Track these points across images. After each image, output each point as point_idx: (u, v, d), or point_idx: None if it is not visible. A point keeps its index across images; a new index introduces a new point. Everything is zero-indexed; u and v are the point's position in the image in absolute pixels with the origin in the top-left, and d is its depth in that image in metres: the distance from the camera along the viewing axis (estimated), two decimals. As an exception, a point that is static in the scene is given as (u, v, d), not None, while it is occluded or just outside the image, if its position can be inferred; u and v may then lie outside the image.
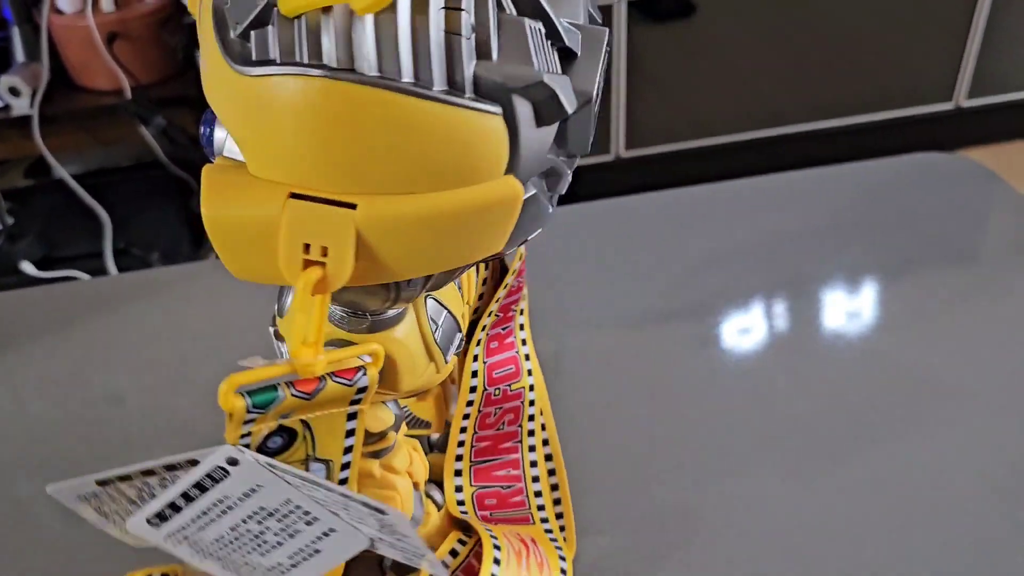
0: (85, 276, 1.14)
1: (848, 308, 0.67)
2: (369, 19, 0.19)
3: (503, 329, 0.39)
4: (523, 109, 0.21)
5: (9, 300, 0.80)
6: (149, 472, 0.25)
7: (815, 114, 1.53)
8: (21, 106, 1.23)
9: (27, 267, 1.15)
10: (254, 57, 0.21)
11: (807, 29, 1.46)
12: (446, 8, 0.20)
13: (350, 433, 0.26)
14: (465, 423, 0.39)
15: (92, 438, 0.61)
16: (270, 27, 0.20)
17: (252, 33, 0.21)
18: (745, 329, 0.65)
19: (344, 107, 0.20)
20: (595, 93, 0.22)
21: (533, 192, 0.23)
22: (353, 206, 0.21)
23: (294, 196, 0.21)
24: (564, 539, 0.41)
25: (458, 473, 0.40)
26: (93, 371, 0.67)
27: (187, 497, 0.25)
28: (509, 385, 0.39)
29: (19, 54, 1.27)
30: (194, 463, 0.24)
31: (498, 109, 0.20)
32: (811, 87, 1.51)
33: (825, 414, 0.55)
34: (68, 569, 0.52)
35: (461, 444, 0.39)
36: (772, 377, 0.60)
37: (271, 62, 0.20)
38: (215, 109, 0.22)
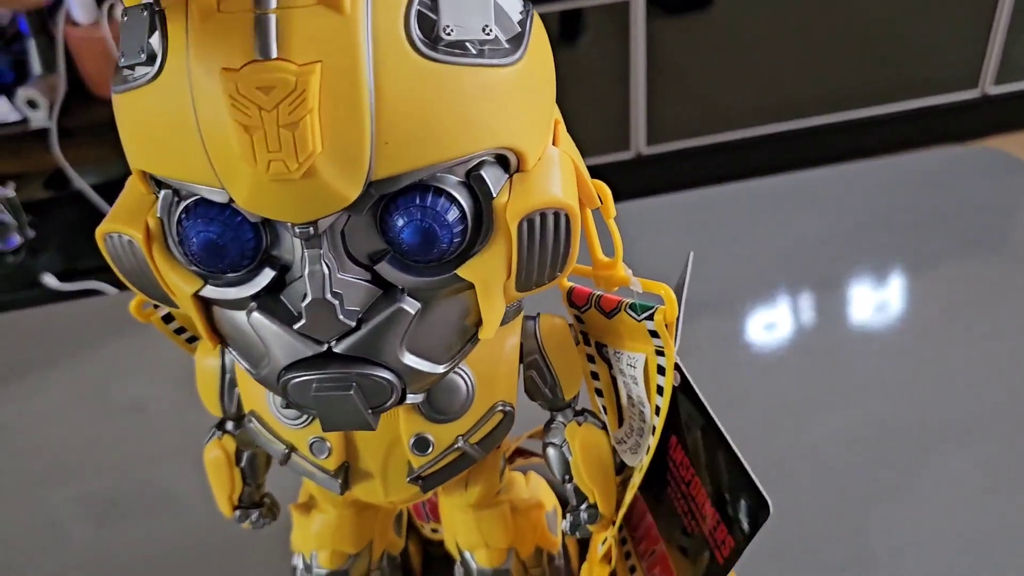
0: (106, 287, 1.14)
1: (875, 304, 0.65)
2: None
3: None
4: None
5: (33, 317, 0.81)
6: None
7: (837, 105, 1.51)
8: (39, 119, 1.23)
9: (49, 280, 1.14)
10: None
11: (827, 17, 1.43)
12: None
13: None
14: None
15: (116, 447, 0.62)
16: None
17: None
18: (770, 324, 0.63)
19: None
20: None
21: None
22: None
23: None
24: None
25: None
26: (115, 383, 0.68)
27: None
28: None
29: (36, 66, 1.27)
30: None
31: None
32: (832, 77, 1.48)
33: (857, 413, 0.54)
34: (94, 573, 0.52)
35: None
36: (800, 374, 0.59)
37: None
38: None
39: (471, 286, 0.26)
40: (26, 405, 0.68)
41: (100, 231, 0.27)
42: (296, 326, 0.26)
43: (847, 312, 0.64)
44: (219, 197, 0.24)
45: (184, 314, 0.35)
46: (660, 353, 0.32)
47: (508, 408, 0.33)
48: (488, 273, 0.26)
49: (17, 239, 1.16)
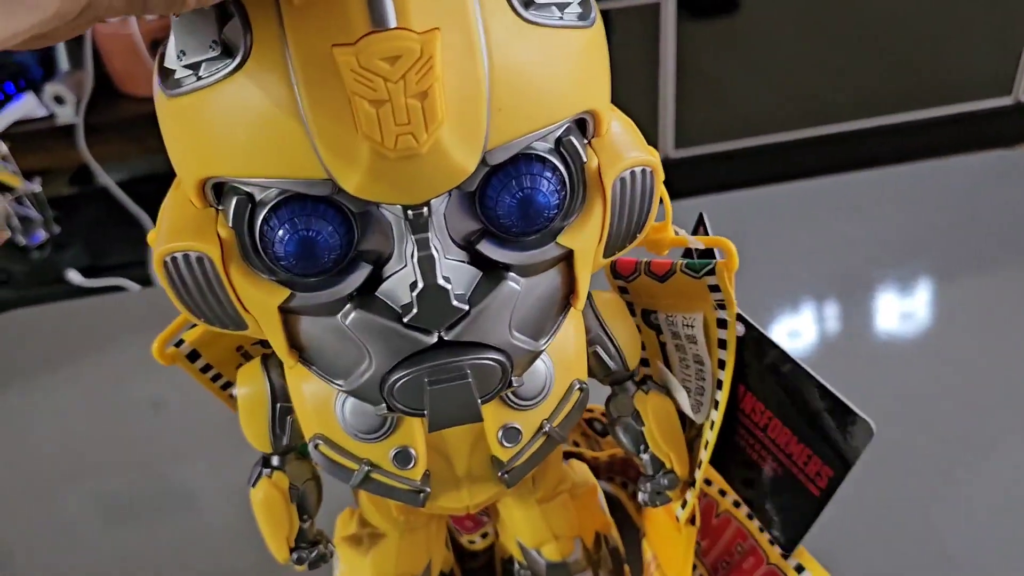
0: (130, 284, 1.13)
1: (905, 310, 0.65)
2: None
3: None
4: None
5: (55, 312, 0.81)
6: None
7: (867, 111, 1.49)
8: (66, 114, 1.23)
9: (73, 276, 1.14)
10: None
11: (857, 22, 1.42)
12: None
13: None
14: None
15: (133, 445, 0.61)
16: None
17: None
18: (795, 332, 0.63)
19: None
20: None
21: None
22: None
23: None
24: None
25: None
26: (135, 381, 0.68)
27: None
28: None
29: (63, 62, 1.27)
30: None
31: None
32: (863, 82, 1.47)
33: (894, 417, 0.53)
34: (110, 570, 0.52)
35: None
36: (830, 381, 0.59)
37: None
38: None
39: (566, 256, 0.26)
40: (45, 400, 0.68)
41: (161, 253, 0.24)
42: (406, 318, 0.25)
43: (877, 318, 0.64)
44: (320, 189, 0.22)
45: (218, 351, 0.34)
46: (720, 307, 0.33)
47: (584, 386, 0.32)
48: (586, 239, 0.26)
49: (42, 235, 1.15)
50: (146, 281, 1.14)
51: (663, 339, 0.36)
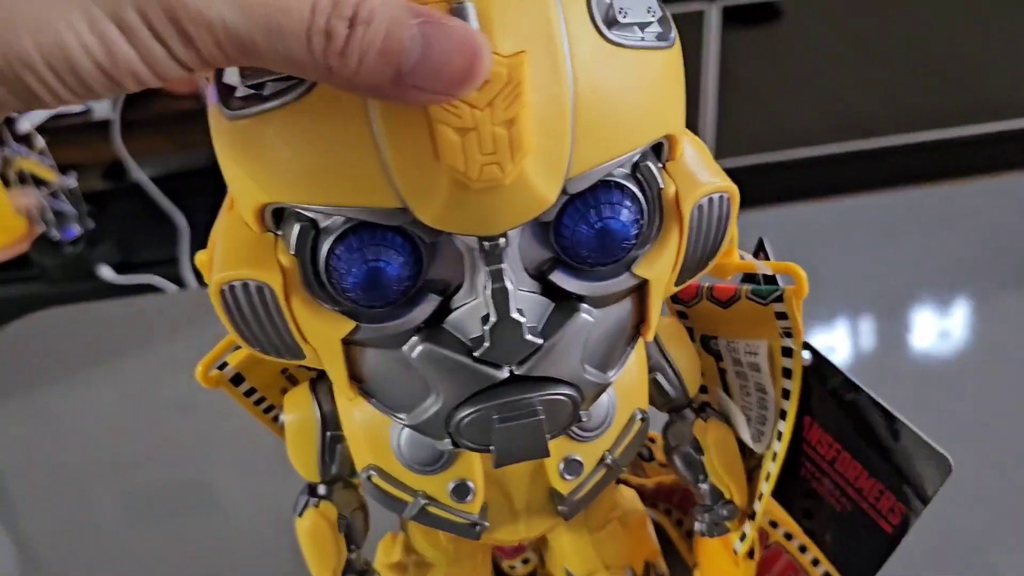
0: (161, 281, 1.13)
1: (941, 330, 0.63)
2: None
3: None
4: None
5: (89, 312, 0.81)
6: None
7: (912, 125, 1.46)
8: (102, 109, 1.23)
9: (105, 272, 1.14)
10: None
11: (903, 34, 1.40)
12: None
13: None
14: None
15: (162, 445, 0.61)
16: None
17: None
18: (830, 348, 0.61)
19: None
20: None
21: None
22: None
23: None
24: None
25: None
26: (165, 380, 0.68)
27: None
28: None
29: (102, 58, 1.27)
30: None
31: None
32: (908, 96, 1.44)
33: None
34: (141, 568, 0.52)
35: None
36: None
37: None
38: None
39: (639, 286, 0.25)
40: (75, 397, 0.68)
41: (218, 281, 0.23)
42: (478, 352, 0.23)
43: (915, 339, 0.62)
44: (392, 219, 0.21)
45: (263, 374, 0.32)
46: (786, 334, 0.31)
47: (645, 415, 0.31)
48: (661, 269, 0.25)
49: (76, 230, 1.15)
50: (177, 280, 1.14)
51: (723, 366, 0.34)
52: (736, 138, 1.43)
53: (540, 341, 0.24)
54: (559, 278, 0.24)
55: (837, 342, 0.62)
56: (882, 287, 0.67)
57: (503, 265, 0.23)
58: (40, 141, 1.11)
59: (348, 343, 0.24)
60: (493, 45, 0.19)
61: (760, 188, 1.44)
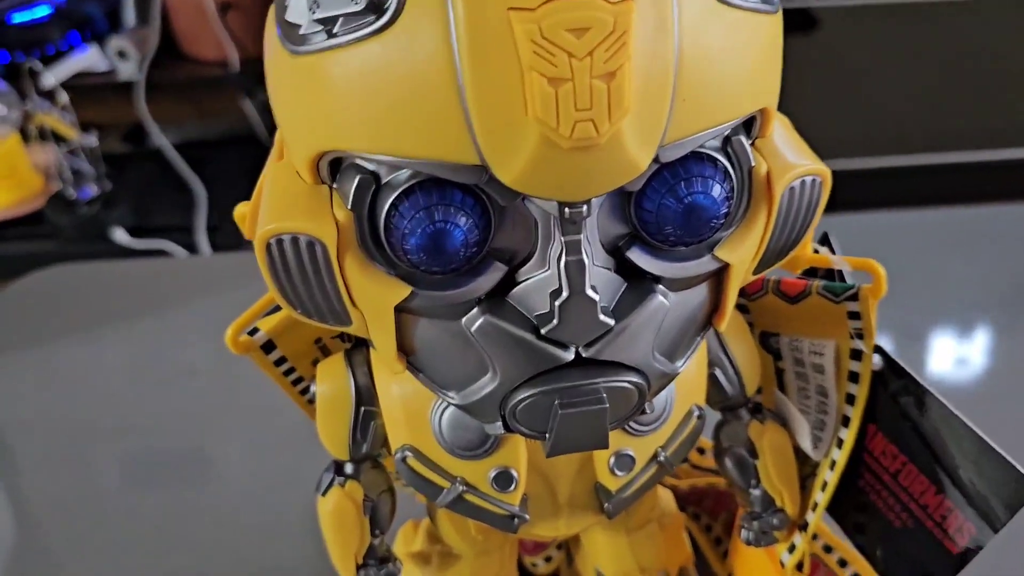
0: (175, 248, 1.11)
1: (958, 357, 0.61)
2: None
3: None
4: None
5: (98, 271, 0.81)
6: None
7: (945, 144, 1.44)
8: (128, 71, 1.21)
9: (120, 235, 1.12)
10: None
11: (943, 50, 1.37)
12: None
13: None
14: None
15: (165, 409, 0.61)
16: None
17: None
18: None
19: None
20: None
21: None
22: None
23: None
24: None
25: None
26: (172, 346, 0.68)
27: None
28: None
29: (130, 18, 1.26)
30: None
31: None
32: (944, 114, 1.42)
33: None
34: (138, 534, 0.51)
35: None
36: None
37: None
38: None
39: (718, 271, 0.23)
40: (80, 356, 0.67)
41: (265, 234, 0.21)
42: (545, 329, 0.21)
43: (930, 361, 0.61)
44: (466, 176, 0.19)
45: (295, 342, 0.30)
46: (857, 336, 0.29)
47: (702, 412, 0.29)
48: (744, 253, 0.23)
49: (93, 190, 1.13)
50: (191, 247, 1.12)
51: (781, 365, 0.32)
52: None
53: (612, 322, 0.22)
54: (636, 255, 0.22)
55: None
56: (902, 308, 0.65)
57: (580, 236, 0.21)
58: (64, 97, 1.09)
59: (401, 311, 0.22)
60: None
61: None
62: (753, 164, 0.22)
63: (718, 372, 0.30)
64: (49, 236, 1.12)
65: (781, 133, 0.23)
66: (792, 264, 0.29)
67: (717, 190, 0.21)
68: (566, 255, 0.21)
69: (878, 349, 0.30)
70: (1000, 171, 1.48)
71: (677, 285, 0.23)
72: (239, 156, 1.23)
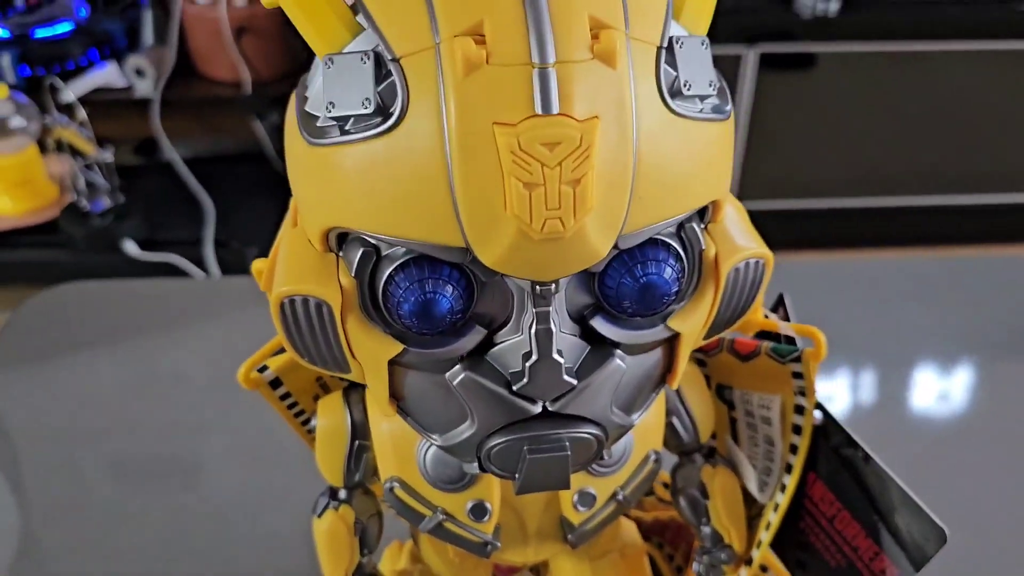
0: (183, 261, 1.15)
1: (939, 393, 0.64)
2: None
3: None
4: None
5: (113, 289, 0.83)
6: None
7: (934, 188, 1.47)
8: (144, 88, 1.25)
9: (130, 247, 1.15)
10: None
11: (937, 94, 1.41)
12: None
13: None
14: None
15: (156, 416, 0.63)
16: None
17: None
18: (828, 397, 0.62)
19: None
20: None
21: None
22: None
23: None
24: None
25: None
26: (165, 359, 0.69)
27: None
28: None
29: (148, 37, 1.29)
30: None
31: None
32: (935, 157, 1.46)
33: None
34: (124, 536, 0.54)
35: None
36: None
37: None
38: None
39: (671, 338, 0.26)
40: (89, 372, 0.69)
41: (280, 295, 0.25)
42: (516, 386, 0.25)
43: (912, 399, 0.63)
44: (453, 256, 0.23)
45: (299, 380, 0.34)
46: (800, 393, 0.33)
47: (658, 456, 0.32)
48: (694, 323, 0.26)
49: (106, 202, 1.17)
50: (199, 261, 1.15)
51: (735, 415, 0.36)
52: (759, 182, 1.44)
53: (575, 381, 0.25)
54: (599, 324, 0.25)
55: (836, 393, 0.63)
56: (886, 347, 0.68)
57: (550, 308, 0.24)
58: (82, 112, 1.12)
59: (393, 364, 0.25)
60: (570, 109, 0.20)
61: (778, 233, 1.46)
62: (703, 247, 0.25)
63: (675, 420, 0.34)
64: (62, 246, 1.15)
65: (733, 217, 0.27)
66: (744, 327, 0.33)
67: (669, 271, 0.24)
68: (536, 324, 0.24)
69: (819, 406, 0.33)
70: (984, 214, 1.51)
71: (634, 350, 0.26)
72: (248, 174, 1.26)
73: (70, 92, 1.15)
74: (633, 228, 0.23)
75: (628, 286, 0.24)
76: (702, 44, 0.23)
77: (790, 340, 0.33)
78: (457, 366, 0.25)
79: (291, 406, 0.35)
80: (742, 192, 1.44)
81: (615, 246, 0.23)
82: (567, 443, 0.26)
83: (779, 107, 1.39)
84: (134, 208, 1.19)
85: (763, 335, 0.34)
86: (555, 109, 0.20)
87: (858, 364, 0.66)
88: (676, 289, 0.25)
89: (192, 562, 0.52)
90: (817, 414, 0.34)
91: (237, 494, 0.58)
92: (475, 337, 0.25)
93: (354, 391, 0.33)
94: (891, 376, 0.66)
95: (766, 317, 0.33)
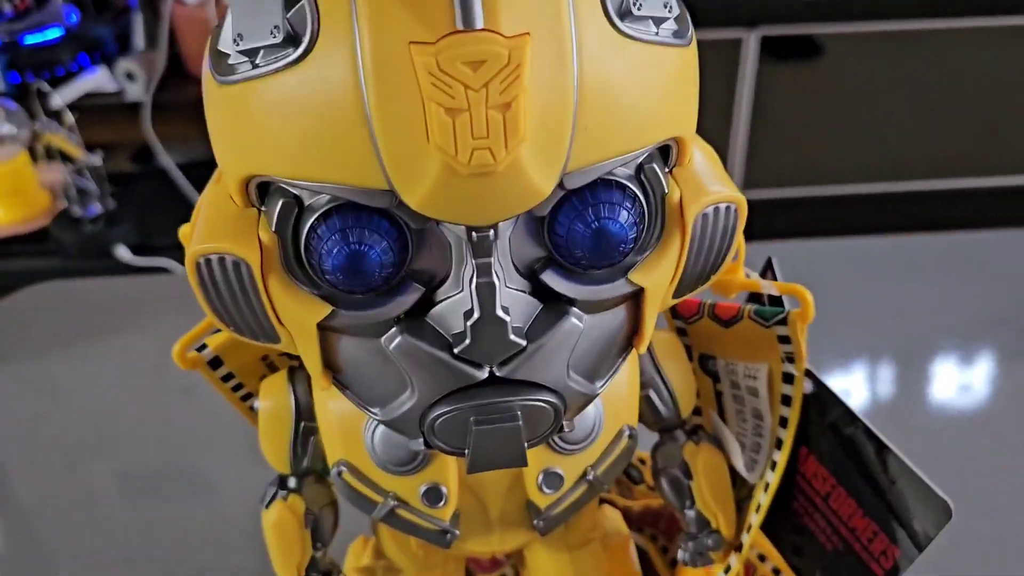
0: (177, 266, 1.13)
1: (961, 383, 0.61)
2: None
3: None
4: None
5: (100, 288, 0.82)
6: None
7: (945, 171, 1.44)
8: (135, 92, 1.23)
9: (122, 252, 1.14)
10: None
11: (944, 78, 1.37)
12: None
13: None
14: None
15: (162, 427, 0.62)
16: None
17: None
18: (845, 392, 0.59)
19: None
20: None
21: None
22: None
23: None
24: None
25: None
26: (170, 363, 0.68)
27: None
28: None
29: (139, 40, 1.28)
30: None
31: None
32: (943, 142, 1.42)
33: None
34: (134, 549, 0.52)
35: None
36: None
37: None
38: None
39: (634, 294, 0.23)
40: (81, 373, 0.68)
41: (194, 253, 0.22)
42: (457, 349, 0.22)
43: (935, 387, 0.61)
44: (378, 200, 0.20)
45: (242, 359, 0.32)
46: (788, 360, 0.30)
47: (633, 432, 0.30)
48: (659, 277, 0.23)
49: (98, 208, 1.15)
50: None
51: (720, 388, 0.33)
52: (766, 170, 1.41)
53: (523, 342, 0.22)
54: (550, 278, 0.22)
55: (853, 385, 0.61)
56: (904, 333, 0.65)
57: (491, 259, 0.21)
58: (69, 117, 1.11)
59: (324, 329, 0.23)
60: (497, 24, 0.18)
61: (789, 223, 1.43)
62: (666, 191, 0.23)
63: (652, 394, 0.31)
64: (53, 253, 1.14)
65: (702, 161, 0.24)
66: (725, 288, 0.30)
67: (625, 216, 0.22)
68: (476, 277, 0.22)
69: (809, 374, 0.31)
70: (997, 197, 1.48)
71: (592, 308, 0.23)
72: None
73: (58, 97, 1.13)
74: (580, 165, 0.20)
75: (579, 232, 0.21)
76: None
77: (776, 301, 0.30)
78: (393, 329, 0.22)
79: (237, 388, 0.32)
80: (747, 181, 1.41)
81: (561, 186, 0.20)
82: (518, 412, 0.23)
83: (783, 92, 1.36)
84: (126, 214, 1.17)
85: (750, 300, 0.31)
86: (479, 24, 0.18)
87: (875, 350, 0.63)
88: (634, 236, 0.22)
89: (193, 569, 0.51)
90: (807, 383, 0.31)
91: (241, 498, 0.55)
92: (411, 296, 0.22)
93: (301, 369, 0.30)
94: (908, 360, 0.63)
95: (747, 277, 0.31)
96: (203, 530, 0.53)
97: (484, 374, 0.23)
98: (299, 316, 0.23)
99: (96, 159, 1.13)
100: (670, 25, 0.21)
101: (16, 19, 1.24)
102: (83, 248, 1.13)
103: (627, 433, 0.30)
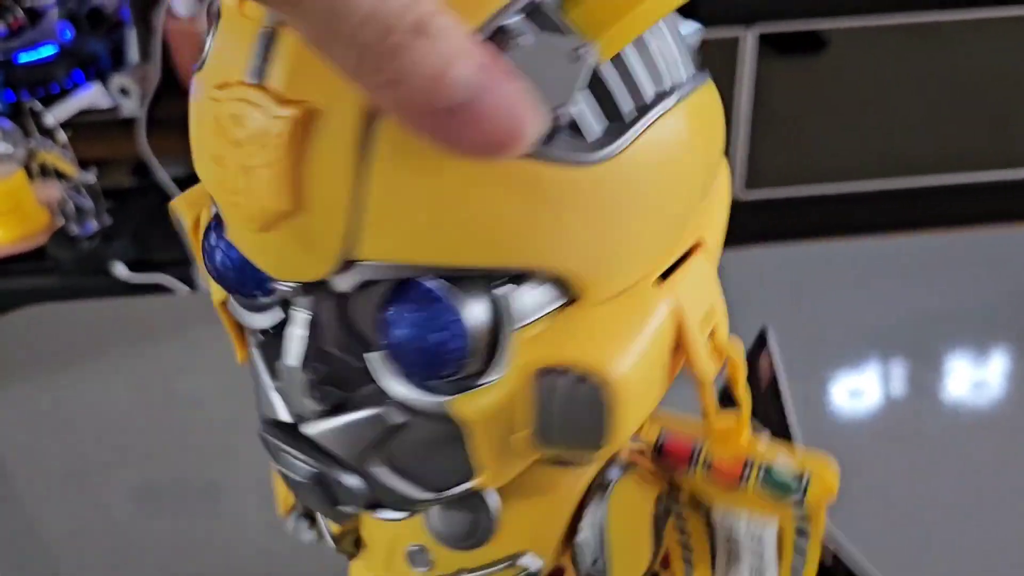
0: (174, 282, 1.12)
1: (974, 382, 0.60)
2: None
3: None
4: None
5: (102, 308, 0.82)
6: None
7: (953, 167, 1.43)
8: (129, 107, 1.23)
9: (120, 269, 1.13)
10: None
11: (950, 72, 1.36)
12: None
13: None
14: None
15: (171, 441, 0.62)
16: None
17: None
18: (856, 391, 0.59)
19: None
20: None
21: None
22: None
23: None
24: None
25: None
26: (177, 378, 0.69)
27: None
28: None
29: (133, 55, 1.28)
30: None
31: None
32: (950, 137, 1.41)
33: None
34: (140, 564, 0.52)
35: None
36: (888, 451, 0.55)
37: None
38: None
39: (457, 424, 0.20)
40: (86, 391, 0.68)
41: (172, 203, 0.26)
42: (276, 385, 0.22)
43: (945, 386, 0.60)
44: None
45: None
46: (801, 533, 0.26)
47: (535, 565, 0.25)
48: (479, 415, 0.20)
49: (94, 225, 1.15)
50: (189, 281, 1.13)
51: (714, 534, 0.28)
52: (768, 170, 1.40)
53: (316, 407, 0.21)
54: (372, 359, 0.20)
55: (866, 387, 0.60)
56: (916, 332, 0.64)
57: (307, 314, 0.20)
58: (62, 135, 1.11)
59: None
60: (281, 83, 0.18)
61: (792, 221, 1.42)
62: (515, 326, 0.19)
63: (582, 539, 0.25)
64: (50, 271, 1.14)
65: (615, 312, 0.20)
66: (723, 443, 0.26)
67: (439, 328, 0.19)
68: (289, 326, 0.21)
69: (828, 548, 0.27)
70: (1008, 191, 1.46)
71: (415, 411, 0.21)
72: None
73: (50, 115, 1.13)
74: (375, 257, 0.18)
75: (383, 327, 0.19)
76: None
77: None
78: (257, 336, 0.23)
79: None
80: (749, 181, 1.40)
81: (357, 272, 0.19)
82: (311, 475, 0.21)
83: (787, 87, 1.35)
84: (123, 230, 1.17)
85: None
86: (257, 78, 0.17)
87: (887, 350, 0.62)
88: (446, 355, 0.19)
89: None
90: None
91: (254, 512, 0.56)
92: (272, 316, 0.22)
93: None
94: (921, 359, 0.62)
95: (754, 433, 0.26)
96: (218, 545, 0.53)
97: (287, 418, 0.22)
98: (214, 288, 0.24)
99: (90, 176, 1.12)
100: (570, 133, 0.18)
101: (10, 37, 1.23)
102: (80, 266, 1.13)
103: (522, 562, 0.25)
